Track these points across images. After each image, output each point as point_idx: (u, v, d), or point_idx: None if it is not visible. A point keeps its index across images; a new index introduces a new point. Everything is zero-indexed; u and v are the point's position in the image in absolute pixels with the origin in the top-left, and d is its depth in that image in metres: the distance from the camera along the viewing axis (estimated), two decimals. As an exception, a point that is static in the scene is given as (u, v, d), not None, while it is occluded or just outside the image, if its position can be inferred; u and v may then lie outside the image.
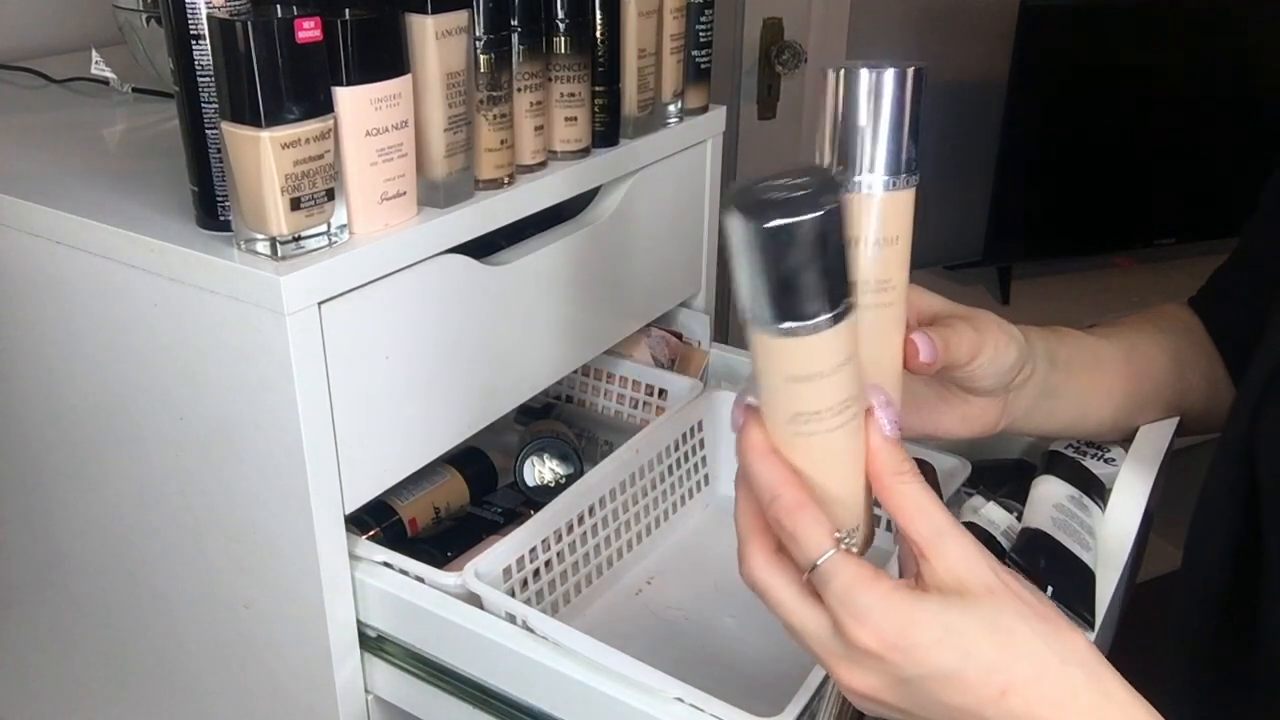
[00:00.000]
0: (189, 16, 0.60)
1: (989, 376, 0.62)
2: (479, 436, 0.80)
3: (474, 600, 0.69)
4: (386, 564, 0.72)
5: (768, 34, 1.89)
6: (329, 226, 0.63)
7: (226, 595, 0.75)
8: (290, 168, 0.59)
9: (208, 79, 0.61)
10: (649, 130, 0.87)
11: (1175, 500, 0.90)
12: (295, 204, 0.60)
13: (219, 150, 0.62)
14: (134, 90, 0.97)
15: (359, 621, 0.73)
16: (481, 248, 0.74)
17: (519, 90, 0.74)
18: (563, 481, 0.89)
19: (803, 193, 0.44)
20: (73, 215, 0.68)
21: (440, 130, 0.68)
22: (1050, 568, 0.65)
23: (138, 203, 0.70)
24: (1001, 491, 0.75)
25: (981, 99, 2.11)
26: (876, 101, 0.50)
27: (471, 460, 0.91)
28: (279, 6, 0.61)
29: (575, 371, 0.99)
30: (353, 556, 0.71)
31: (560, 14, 0.76)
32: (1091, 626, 0.64)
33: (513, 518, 0.87)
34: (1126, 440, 0.75)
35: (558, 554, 0.78)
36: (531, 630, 0.66)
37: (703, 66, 0.91)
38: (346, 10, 0.62)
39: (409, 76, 0.65)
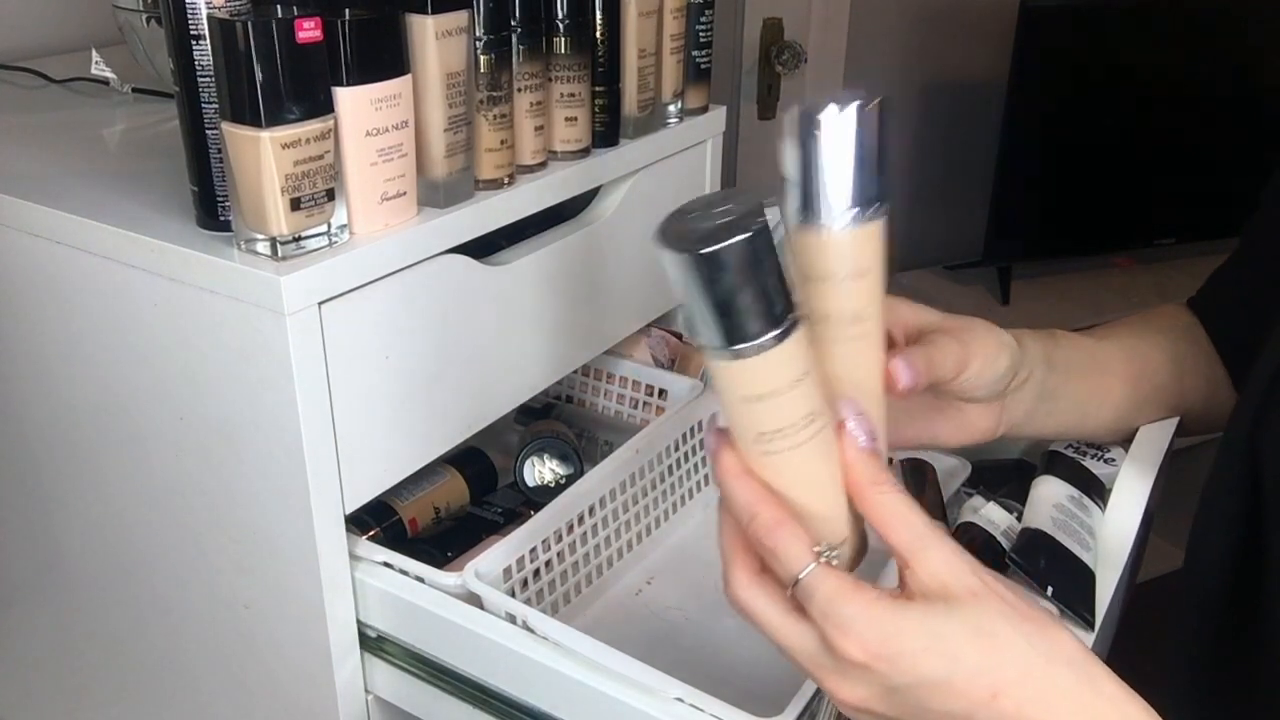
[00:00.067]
0: (189, 16, 0.60)
1: (980, 387, 0.62)
2: (479, 436, 0.80)
3: (474, 600, 0.69)
4: (386, 564, 0.72)
5: (768, 34, 1.89)
6: (329, 226, 0.63)
7: (226, 595, 0.75)
8: (290, 168, 0.59)
9: (208, 79, 0.61)
10: (649, 130, 0.87)
11: (1175, 500, 0.90)
12: (295, 204, 0.60)
13: (219, 150, 0.62)
14: (134, 90, 0.97)
15: (359, 621, 0.73)
16: (481, 248, 0.74)
17: (519, 90, 0.74)
18: (563, 481, 0.89)
19: (729, 218, 0.45)
20: (73, 215, 0.68)
21: (440, 130, 0.68)
22: (1050, 568, 0.65)
23: (138, 203, 0.70)
24: (1001, 491, 0.75)
25: (981, 99, 2.12)
26: (839, 139, 0.50)
27: (471, 460, 0.91)
28: (279, 6, 0.61)
29: (575, 371, 0.99)
30: (353, 556, 0.71)
31: (560, 14, 0.76)
32: (1091, 627, 0.64)
33: (513, 518, 0.87)
34: (1126, 440, 0.75)
35: (558, 554, 0.78)
36: (531, 630, 0.66)
37: (703, 66, 0.91)
38: (346, 10, 0.62)
39: (409, 76, 0.65)
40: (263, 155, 0.58)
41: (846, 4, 1.96)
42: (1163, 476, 0.73)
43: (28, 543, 0.88)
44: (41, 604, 0.91)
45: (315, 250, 0.63)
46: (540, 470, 0.90)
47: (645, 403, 0.98)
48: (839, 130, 0.50)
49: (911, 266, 2.28)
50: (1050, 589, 0.64)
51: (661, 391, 0.97)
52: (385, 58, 0.63)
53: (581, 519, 0.80)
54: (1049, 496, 0.70)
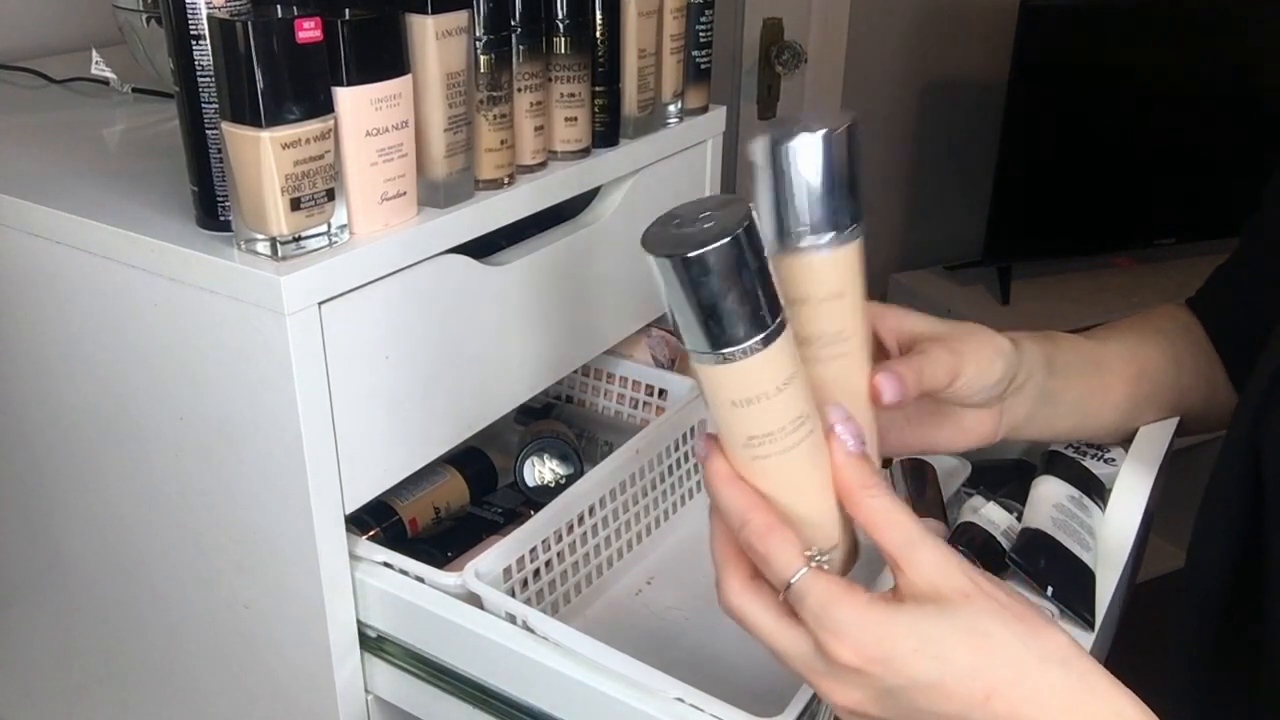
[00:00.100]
0: (189, 16, 0.60)
1: (976, 393, 0.62)
2: (479, 436, 0.80)
3: (474, 600, 0.69)
4: (386, 564, 0.72)
5: (768, 34, 1.89)
6: (329, 226, 0.63)
7: (226, 595, 0.75)
8: (290, 168, 0.59)
9: (208, 79, 0.61)
10: (649, 130, 0.87)
11: (1175, 500, 0.90)
12: (295, 204, 0.60)
13: (219, 150, 0.62)
14: (134, 90, 0.97)
15: (359, 621, 0.73)
16: (481, 248, 0.74)
17: (519, 90, 0.74)
18: (563, 481, 0.89)
19: (712, 223, 0.45)
20: (73, 215, 0.68)
21: (440, 130, 0.68)
22: (1050, 568, 0.65)
23: (138, 203, 0.70)
24: (1001, 491, 0.75)
25: (981, 99, 2.12)
26: (810, 164, 0.50)
27: (471, 460, 0.91)
28: (279, 6, 0.61)
29: (575, 371, 0.99)
30: (353, 556, 0.71)
31: (560, 14, 0.76)
32: (1091, 627, 0.64)
33: (513, 518, 0.87)
34: (1126, 440, 0.75)
35: (558, 554, 0.78)
36: (531, 630, 0.66)
37: (703, 66, 0.91)
38: (346, 10, 0.62)
39: (409, 76, 0.65)
40: (263, 155, 0.58)
41: (846, 4, 1.96)
42: (1163, 476, 0.73)
43: (28, 543, 0.88)
44: (41, 604, 0.91)
45: (315, 250, 0.63)
46: (540, 470, 0.90)
47: (645, 403, 0.98)
48: (810, 156, 0.50)
49: (911, 266, 2.28)
50: (1050, 589, 0.64)
51: (661, 391, 0.97)
52: (385, 58, 0.63)
53: (581, 519, 0.80)
54: (1049, 496, 0.70)
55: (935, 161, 2.25)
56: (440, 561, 0.76)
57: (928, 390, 0.59)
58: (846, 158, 0.50)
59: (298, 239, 0.61)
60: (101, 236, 0.67)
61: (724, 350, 0.47)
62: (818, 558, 0.50)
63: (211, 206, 0.65)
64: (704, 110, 0.93)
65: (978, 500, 0.74)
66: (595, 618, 0.81)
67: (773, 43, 1.89)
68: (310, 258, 0.62)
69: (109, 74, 0.97)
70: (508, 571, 0.73)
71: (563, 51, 0.77)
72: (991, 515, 0.72)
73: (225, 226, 0.64)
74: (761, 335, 0.47)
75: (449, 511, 0.88)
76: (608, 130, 0.83)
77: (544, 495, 0.84)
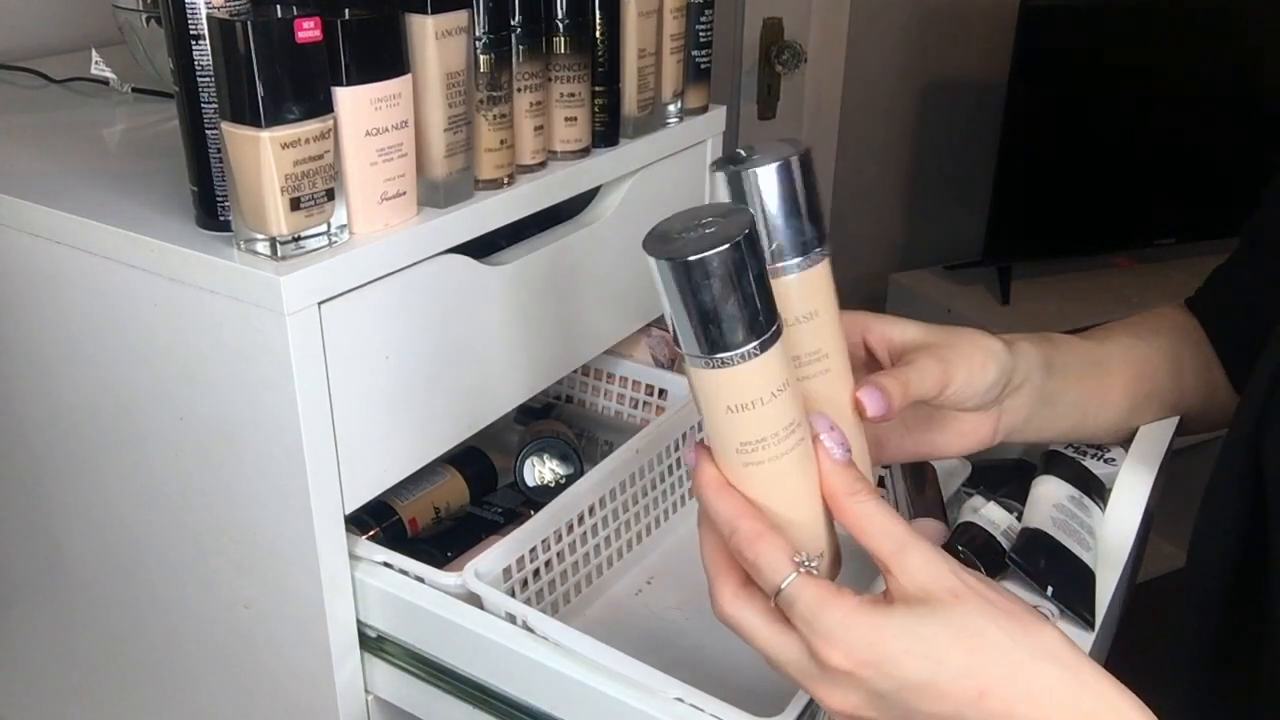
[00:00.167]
0: (189, 16, 0.60)
1: (969, 398, 0.62)
2: (479, 436, 0.80)
3: (474, 600, 0.69)
4: (386, 564, 0.72)
5: (768, 34, 1.89)
6: (329, 226, 0.63)
7: (226, 595, 0.75)
8: (290, 168, 0.59)
9: (208, 79, 0.61)
10: (649, 130, 0.87)
11: (1175, 500, 0.90)
12: (295, 204, 0.60)
13: (219, 150, 0.62)
14: (134, 90, 0.97)
15: (359, 621, 0.73)
16: (481, 248, 0.74)
17: (519, 90, 0.74)
18: (563, 481, 0.89)
19: (713, 229, 0.47)
20: (73, 215, 0.68)
21: (440, 130, 0.68)
22: (1050, 568, 0.65)
23: (138, 203, 0.70)
24: (1001, 491, 0.75)
25: (981, 99, 2.12)
26: (769, 195, 0.52)
27: (471, 460, 0.91)
28: (279, 6, 0.61)
29: (575, 371, 0.99)
30: (353, 556, 0.71)
31: (560, 14, 0.76)
32: (1091, 627, 0.64)
33: (513, 518, 0.87)
34: (1126, 440, 0.75)
35: (558, 554, 0.78)
36: (531, 630, 0.66)
37: (703, 66, 0.91)
38: (346, 10, 0.62)
39: (409, 76, 0.65)
40: (263, 155, 0.58)
41: (846, 4, 1.96)
42: (1163, 476, 0.73)
43: (28, 543, 0.88)
44: (41, 604, 0.91)
45: (315, 250, 0.63)
46: (540, 470, 0.90)
47: (645, 403, 0.98)
48: (769, 184, 0.51)
49: (911, 266, 2.28)
50: (1050, 589, 0.64)
51: (661, 391, 0.97)
52: (385, 58, 0.63)
53: (581, 519, 0.80)
54: (1049, 496, 0.70)
55: (935, 161, 2.25)
56: (440, 561, 0.76)
57: (917, 400, 0.59)
58: (804, 183, 0.52)
59: (297, 239, 0.61)
60: (101, 236, 0.67)
61: (721, 355, 0.47)
62: (806, 563, 0.50)
63: (211, 206, 0.65)
64: (704, 110, 0.93)
65: (978, 500, 0.74)
66: (595, 618, 0.81)
67: (773, 43, 1.89)
68: (310, 258, 0.62)
69: (109, 74, 0.97)
70: (508, 571, 0.73)
71: (563, 51, 0.77)
72: (991, 515, 0.72)
73: (225, 226, 0.64)
74: (759, 341, 0.47)
75: (449, 511, 0.88)
76: (607, 130, 0.83)
77: (544, 495, 0.84)
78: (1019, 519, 0.71)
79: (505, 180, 0.75)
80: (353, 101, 0.62)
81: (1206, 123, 2.09)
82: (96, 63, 0.97)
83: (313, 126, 0.60)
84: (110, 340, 0.71)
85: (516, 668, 0.67)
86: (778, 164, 0.51)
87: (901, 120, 2.20)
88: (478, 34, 0.69)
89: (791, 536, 0.51)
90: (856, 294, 2.25)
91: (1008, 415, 0.67)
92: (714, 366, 0.48)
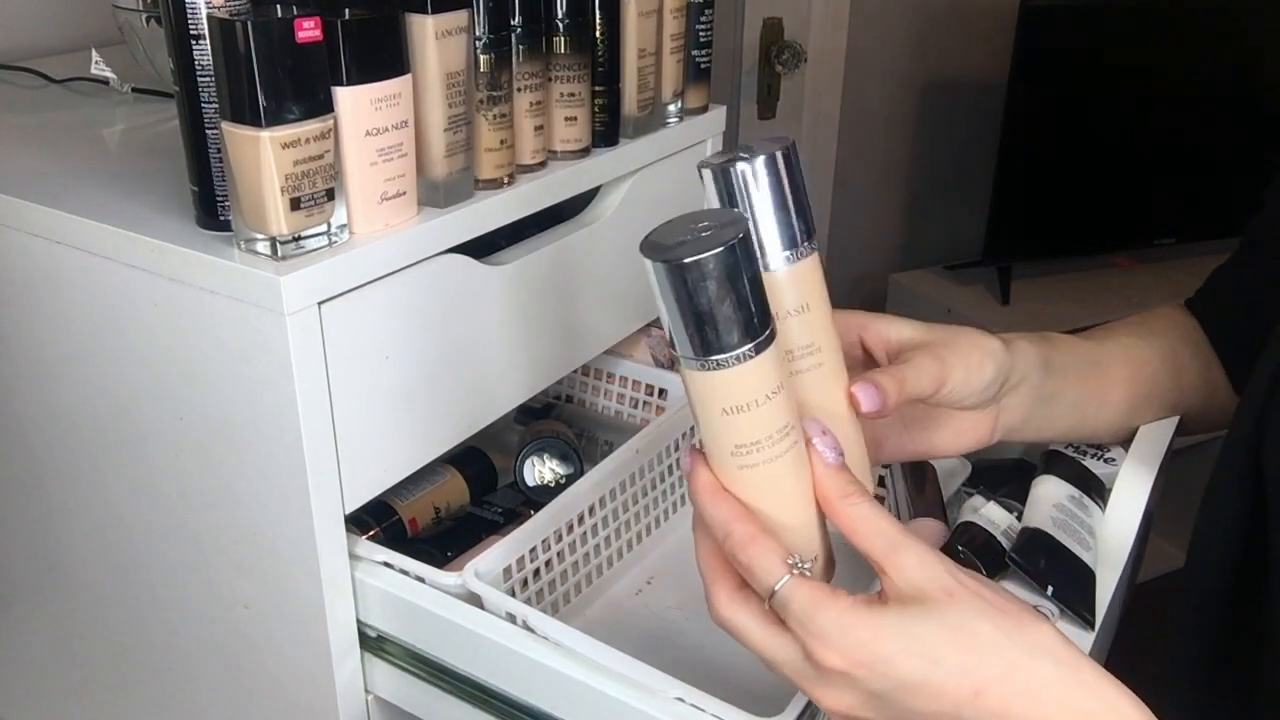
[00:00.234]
0: (189, 16, 0.60)
1: (966, 397, 0.62)
2: (479, 436, 0.80)
3: (474, 600, 0.69)
4: (386, 564, 0.72)
5: (768, 34, 1.89)
6: (329, 226, 0.63)
7: (226, 595, 0.75)
8: (290, 168, 0.59)
9: (208, 79, 0.61)
10: (649, 130, 0.87)
11: (1175, 500, 0.90)
12: (295, 204, 0.60)
13: (219, 150, 0.62)
14: (134, 90, 0.97)
15: (359, 621, 0.73)
16: (481, 248, 0.74)
17: (519, 90, 0.74)
18: (563, 481, 0.89)
19: (709, 232, 0.47)
20: (73, 215, 0.68)
21: (440, 130, 0.68)
22: (1050, 568, 0.65)
23: (138, 203, 0.70)
24: (1001, 491, 0.75)
25: (981, 99, 2.12)
26: (756, 190, 0.52)
27: (471, 460, 0.91)
28: (279, 6, 0.61)
29: (575, 371, 0.99)
30: (353, 556, 0.71)
31: (560, 14, 0.76)
32: (1091, 627, 0.64)
33: (513, 518, 0.87)
34: (1126, 440, 0.75)
35: (558, 554, 0.78)
36: (531, 630, 0.66)
37: (703, 66, 0.91)
38: (346, 10, 0.62)
39: (409, 76, 0.65)
40: (263, 155, 0.58)
41: (846, 4, 1.96)
42: (1163, 476, 0.73)
43: (28, 543, 0.88)
44: (41, 604, 0.91)
45: (315, 250, 0.63)
46: (540, 470, 0.90)
47: (645, 403, 0.98)
48: (757, 180, 0.52)
49: (911, 266, 2.28)
50: (1050, 589, 0.64)
51: (661, 391, 0.97)
52: (385, 57, 0.63)
53: (581, 519, 0.80)
54: (1049, 496, 0.70)
55: (935, 161, 2.25)
56: (440, 561, 0.76)
57: (913, 398, 0.59)
58: (791, 177, 0.53)
59: (298, 239, 0.61)
60: (101, 236, 0.67)
61: (717, 357, 0.48)
62: (800, 565, 0.50)
63: (211, 206, 0.65)
64: (704, 110, 0.93)
65: (978, 500, 0.73)
66: (595, 618, 0.81)
67: (773, 43, 1.89)
68: (310, 258, 0.62)
69: (109, 74, 0.97)
70: (508, 571, 0.73)
71: (563, 51, 0.77)
72: (991, 515, 0.72)
73: (225, 226, 0.64)
74: (753, 343, 0.48)
75: (449, 511, 0.88)
76: (607, 130, 0.83)
77: (544, 495, 0.84)
78: (1019, 519, 0.71)
79: (505, 180, 0.75)
80: (353, 101, 0.62)
81: (1206, 123, 2.09)
82: (96, 63, 0.97)
83: (313, 126, 0.60)
84: (110, 340, 0.71)
85: (516, 668, 0.67)
86: (764, 158, 0.52)
87: (901, 120, 2.20)
88: (478, 34, 0.69)
89: (785, 539, 0.52)
90: (856, 294, 2.25)
91: (1005, 414, 0.67)
92: (709, 369, 0.48)
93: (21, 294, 0.75)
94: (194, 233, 0.66)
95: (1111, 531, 0.70)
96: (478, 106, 0.71)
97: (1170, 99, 2.07)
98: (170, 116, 0.75)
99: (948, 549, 0.68)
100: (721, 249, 0.46)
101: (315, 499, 0.66)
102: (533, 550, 0.75)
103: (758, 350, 0.48)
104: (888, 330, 0.62)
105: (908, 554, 0.50)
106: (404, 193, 0.67)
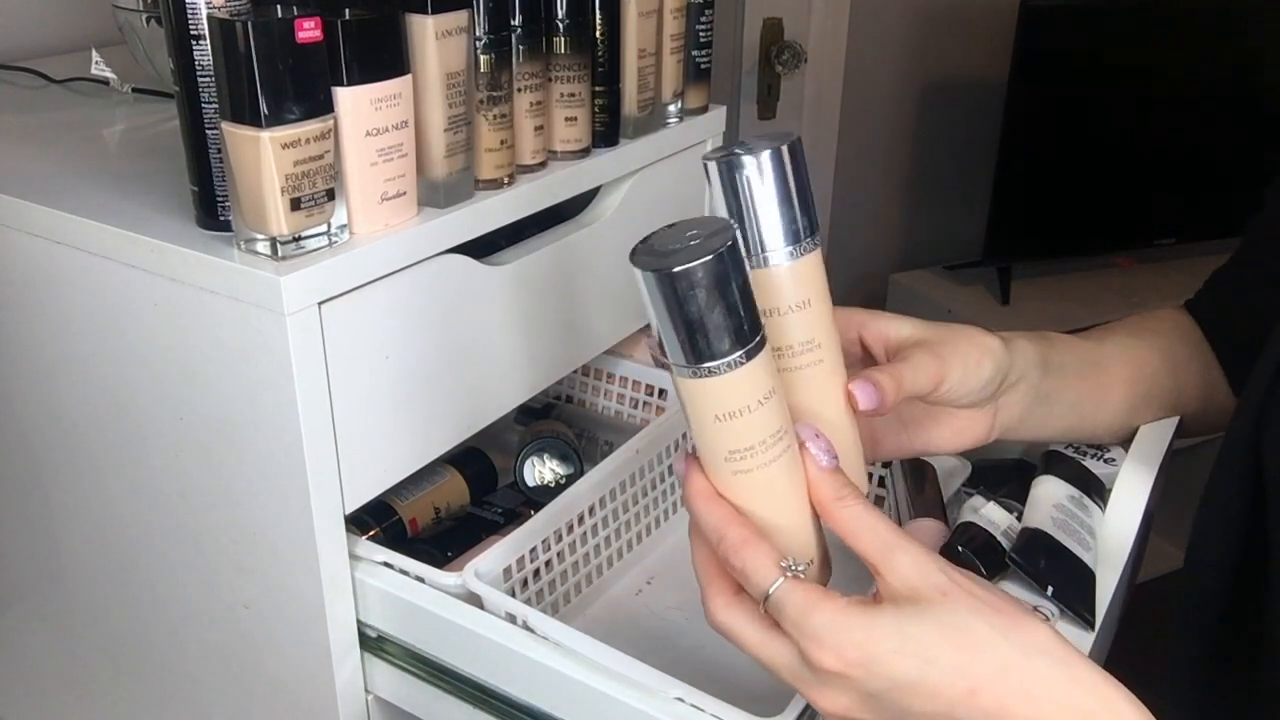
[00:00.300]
0: (189, 16, 0.60)
1: (964, 395, 0.62)
2: (479, 436, 0.80)
3: (474, 600, 0.69)
4: (386, 564, 0.72)
5: (768, 34, 1.89)
6: (329, 226, 0.63)
7: (226, 595, 0.75)
8: (290, 168, 0.59)
9: (208, 79, 0.61)
10: (649, 130, 0.87)
11: (1175, 500, 0.90)
12: (295, 204, 0.60)
13: (219, 150, 0.62)
14: (134, 90, 0.97)
15: (359, 621, 0.73)
16: (481, 248, 0.74)
17: (519, 90, 0.74)
18: (563, 481, 0.89)
19: (697, 240, 0.48)
20: (73, 215, 0.68)
21: (440, 130, 0.68)
22: (1050, 568, 0.65)
23: (138, 203, 0.70)
24: (1001, 491, 0.75)
25: (981, 99, 2.12)
26: (761, 184, 0.52)
27: (471, 460, 0.91)
28: (279, 6, 0.61)
29: (575, 371, 0.99)
30: (353, 556, 0.71)
31: (560, 14, 0.76)
32: (1091, 626, 0.64)
33: (513, 518, 0.87)
34: (1126, 440, 0.75)
35: (558, 554, 0.78)
36: (531, 630, 0.66)
37: (703, 66, 0.91)
38: (346, 10, 0.62)
39: (409, 76, 0.65)
40: (263, 155, 0.58)
41: (846, 4, 1.96)
42: (1163, 476, 0.73)
43: (28, 543, 0.88)
44: (41, 604, 0.91)
45: (315, 250, 0.63)
46: (540, 470, 0.90)
47: (645, 403, 0.98)
48: (762, 174, 0.52)
49: (911, 266, 2.28)
50: (1050, 589, 0.64)
51: (661, 391, 0.97)
52: (385, 58, 0.63)
53: (581, 519, 0.80)
54: (1049, 496, 0.70)
55: (935, 161, 2.25)
56: (440, 561, 0.76)
57: (911, 396, 0.59)
58: (795, 172, 0.53)
59: (298, 239, 0.61)
60: (101, 236, 0.67)
61: (708, 364, 0.48)
62: (794, 568, 0.51)
63: (211, 206, 0.65)
64: (704, 110, 0.93)
65: (978, 500, 0.73)
66: (595, 618, 0.81)
67: (773, 43, 1.89)
68: (310, 258, 0.62)
69: (109, 74, 0.97)
70: (508, 571, 0.73)
71: (563, 51, 0.77)
72: (991, 515, 0.72)
73: (225, 226, 0.64)
74: (744, 350, 0.48)
75: (449, 511, 0.88)
76: (608, 130, 0.83)
77: (544, 495, 0.84)
78: (1019, 519, 0.71)
79: (505, 180, 0.75)
80: (353, 101, 0.62)
81: (1206, 123, 2.09)
82: (96, 63, 0.97)
83: (313, 126, 0.60)
84: (110, 340, 0.71)
85: (516, 668, 0.67)
86: (769, 152, 0.52)
87: (901, 120, 2.20)
88: (478, 34, 0.69)
89: (780, 543, 0.52)
90: (857, 294, 2.25)
91: (1003, 413, 0.67)
92: (701, 376, 0.49)
93: (21, 294, 0.75)
94: (194, 233, 0.66)
95: (1111, 531, 0.70)
96: (478, 107, 0.71)
97: (1170, 99, 2.07)
98: (170, 116, 0.75)
99: (948, 549, 0.68)
100: (710, 257, 0.46)
101: (315, 499, 0.66)
102: (533, 550, 0.75)
103: (749, 357, 0.48)
104: (887, 328, 0.62)
105: (902, 554, 0.50)
106: (404, 193, 0.67)
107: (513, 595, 0.73)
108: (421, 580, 0.71)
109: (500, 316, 0.77)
